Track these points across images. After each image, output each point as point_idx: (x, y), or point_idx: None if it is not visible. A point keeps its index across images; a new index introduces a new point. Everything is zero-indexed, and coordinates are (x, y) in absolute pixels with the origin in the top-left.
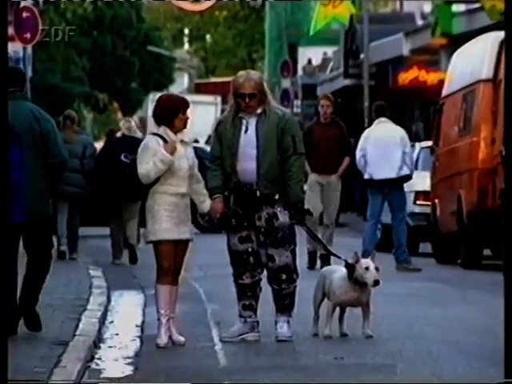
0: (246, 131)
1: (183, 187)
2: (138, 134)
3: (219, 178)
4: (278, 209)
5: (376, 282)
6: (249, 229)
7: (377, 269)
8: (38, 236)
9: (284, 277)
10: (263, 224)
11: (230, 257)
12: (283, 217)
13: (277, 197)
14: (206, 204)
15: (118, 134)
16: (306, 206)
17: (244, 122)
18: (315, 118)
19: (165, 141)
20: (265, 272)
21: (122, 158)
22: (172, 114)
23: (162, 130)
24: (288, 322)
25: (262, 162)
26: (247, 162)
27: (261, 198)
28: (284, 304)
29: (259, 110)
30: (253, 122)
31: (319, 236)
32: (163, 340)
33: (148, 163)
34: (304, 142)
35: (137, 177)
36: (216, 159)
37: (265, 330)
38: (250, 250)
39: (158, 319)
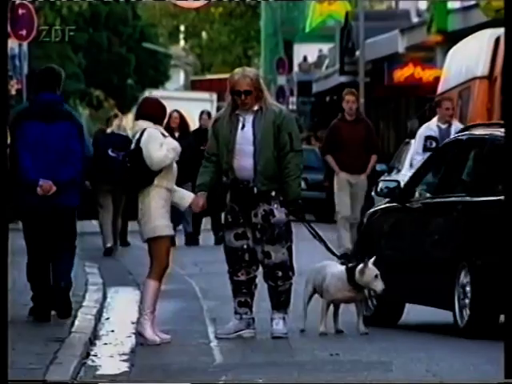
0: (242, 128)
1: (173, 183)
2: (127, 133)
3: (208, 176)
4: (275, 205)
5: (384, 291)
6: (245, 226)
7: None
8: (68, 221)
9: (280, 274)
10: (259, 221)
11: (226, 253)
12: (280, 214)
13: (273, 193)
14: (186, 200)
15: (108, 131)
16: (336, 207)
17: (241, 118)
18: (339, 115)
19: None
20: (260, 269)
21: (110, 152)
22: (163, 118)
23: (158, 128)
24: (283, 318)
25: (259, 159)
26: (244, 159)
27: (257, 195)
28: (280, 301)
29: (256, 107)
30: (249, 118)
31: (348, 235)
32: (149, 334)
33: (160, 150)
34: (330, 140)
35: (126, 172)
36: (211, 156)
37: (260, 326)
38: (245, 246)
39: (144, 314)
